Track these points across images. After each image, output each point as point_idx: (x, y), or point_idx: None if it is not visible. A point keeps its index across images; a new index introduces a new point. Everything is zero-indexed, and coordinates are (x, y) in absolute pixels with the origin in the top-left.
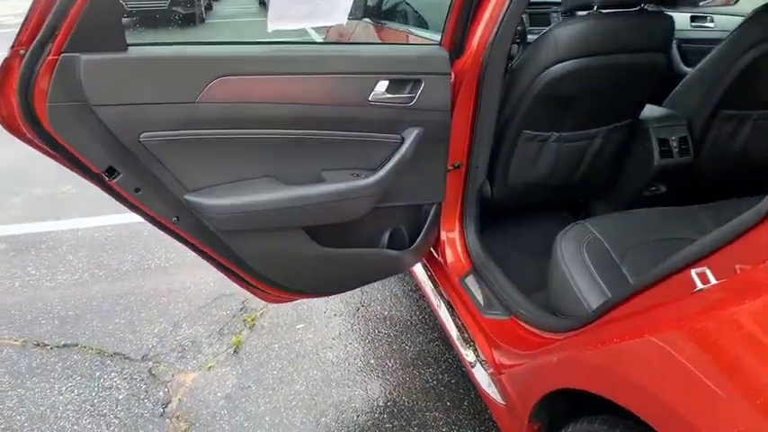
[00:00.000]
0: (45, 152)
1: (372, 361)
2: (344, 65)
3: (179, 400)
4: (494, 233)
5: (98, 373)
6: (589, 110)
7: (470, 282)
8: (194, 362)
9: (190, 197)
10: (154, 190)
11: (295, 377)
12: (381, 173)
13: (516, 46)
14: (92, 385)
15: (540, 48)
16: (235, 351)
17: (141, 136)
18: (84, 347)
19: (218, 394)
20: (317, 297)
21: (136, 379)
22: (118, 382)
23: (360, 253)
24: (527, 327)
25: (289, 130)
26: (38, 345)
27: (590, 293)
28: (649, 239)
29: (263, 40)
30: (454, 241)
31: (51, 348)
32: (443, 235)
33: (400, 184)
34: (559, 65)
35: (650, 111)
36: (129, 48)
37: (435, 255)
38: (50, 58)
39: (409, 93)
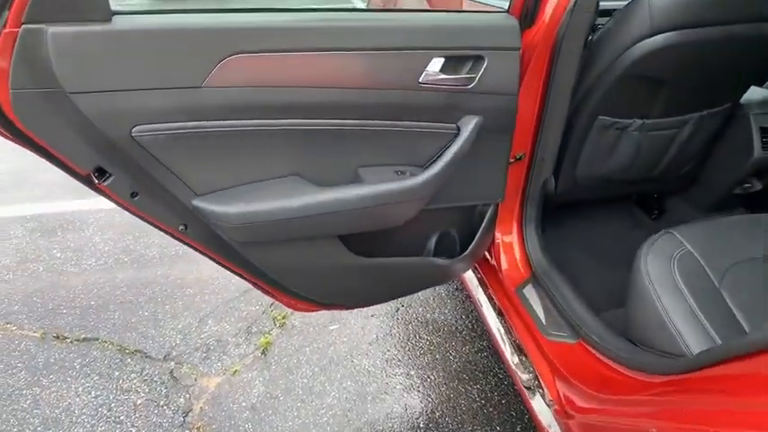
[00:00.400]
0: (26, 147)
1: (412, 372)
2: (390, 38)
3: (201, 408)
4: (555, 234)
5: (117, 374)
6: (683, 93)
7: (529, 292)
8: (219, 364)
9: (198, 203)
10: (154, 194)
11: (327, 387)
12: (432, 171)
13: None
14: (110, 387)
15: (630, 17)
16: (263, 353)
17: (134, 130)
18: (105, 342)
19: (243, 404)
20: (351, 309)
21: (156, 382)
22: (137, 384)
23: (402, 263)
24: (603, 358)
25: (318, 120)
26: (57, 337)
27: (685, 325)
28: (754, 255)
29: (286, 6)
30: (511, 245)
31: (71, 342)
32: (498, 237)
33: (453, 182)
34: (653, 38)
35: (751, 93)
36: (115, 17)
37: (488, 257)
38: (6, 30)
39: (469, 72)
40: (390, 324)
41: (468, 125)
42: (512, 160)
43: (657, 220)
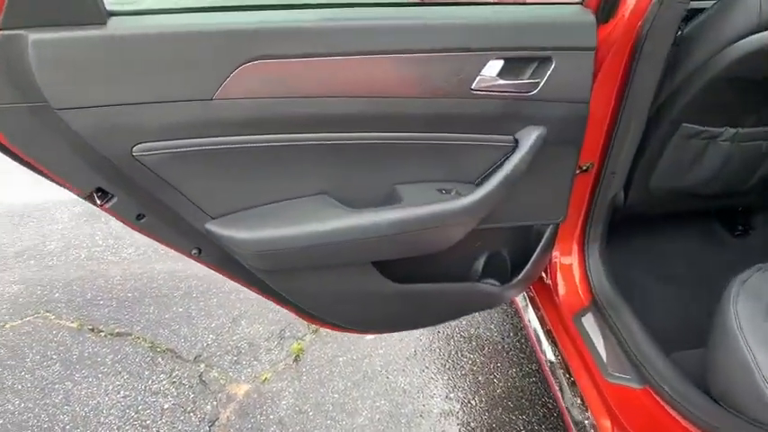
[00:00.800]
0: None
1: (452, 395)
2: (437, 38)
3: (227, 418)
4: (620, 251)
5: (147, 373)
6: None
7: (588, 322)
8: (249, 370)
9: (212, 227)
10: (162, 216)
11: (359, 406)
12: (486, 189)
13: None
14: (139, 387)
15: (732, 9)
16: (295, 360)
17: (135, 149)
18: (138, 339)
19: (271, 416)
20: (386, 333)
21: (185, 385)
22: (166, 386)
23: (445, 289)
24: (674, 413)
25: (351, 134)
26: (92, 330)
27: None
28: None
29: (313, 1)
30: (570, 267)
31: (105, 336)
32: (556, 256)
33: (508, 200)
34: (761, 34)
35: None
36: (111, 19)
37: (543, 275)
38: None
39: (532, 77)
40: (431, 338)
41: (529, 137)
42: (576, 171)
43: (742, 237)
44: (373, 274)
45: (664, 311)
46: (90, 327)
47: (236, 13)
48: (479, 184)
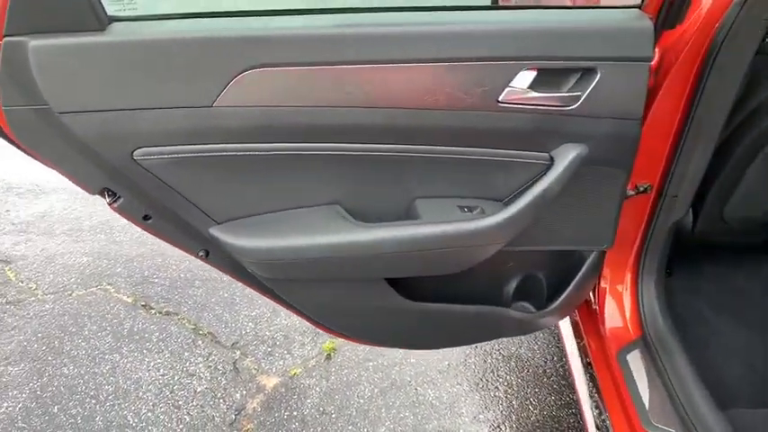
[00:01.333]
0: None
1: (481, 416)
2: (455, 45)
3: (253, 408)
4: (685, 285)
5: (186, 354)
6: None
7: (634, 360)
8: (281, 362)
9: (216, 232)
10: (168, 218)
11: (383, 415)
12: (513, 209)
13: None
14: (177, 367)
15: None
16: (326, 359)
17: (135, 153)
18: (183, 319)
19: (295, 413)
20: (400, 349)
21: (219, 371)
22: (202, 369)
23: (469, 311)
24: None
25: (363, 145)
26: (144, 306)
27: None
28: None
29: (323, 6)
30: (621, 296)
31: (155, 314)
32: (604, 283)
33: (544, 222)
34: None
35: None
36: (111, 26)
37: (591, 299)
38: None
39: (571, 90)
40: (467, 352)
41: (566, 156)
42: (631, 192)
43: None
44: (386, 290)
45: (727, 358)
46: (143, 303)
47: (238, 18)
48: (508, 203)
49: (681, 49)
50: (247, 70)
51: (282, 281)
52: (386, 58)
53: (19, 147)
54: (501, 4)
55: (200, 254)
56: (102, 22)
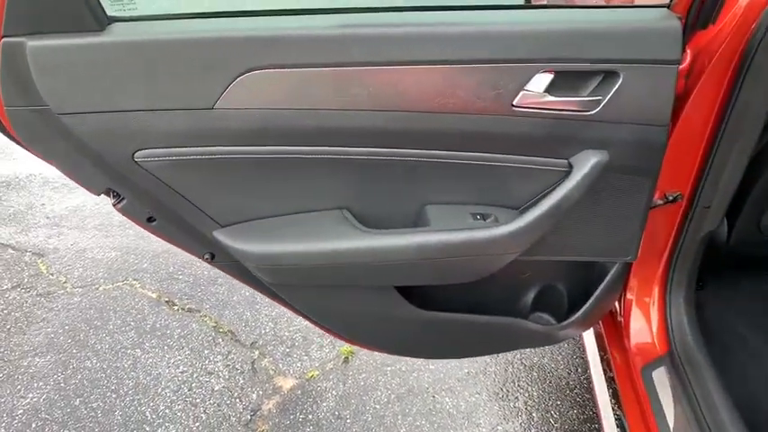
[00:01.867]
0: None
1: (500, 427)
2: (465, 46)
3: (269, 410)
4: (720, 299)
5: (206, 352)
6: None
7: (660, 378)
8: (299, 364)
9: (221, 236)
10: (172, 220)
11: (398, 422)
12: (528, 218)
13: None
14: (196, 365)
15: None
16: (344, 361)
17: (136, 155)
18: (205, 317)
19: (310, 416)
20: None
21: (237, 370)
22: (220, 368)
23: (481, 321)
24: None
25: (372, 149)
26: (168, 302)
27: None
28: None
29: (326, 6)
30: (648, 309)
31: (178, 310)
32: (631, 295)
33: (562, 231)
34: None
35: None
36: (112, 25)
37: (617, 309)
38: None
39: (591, 94)
40: (487, 360)
41: (586, 163)
42: (660, 201)
43: None
44: (394, 297)
45: (760, 380)
46: (167, 299)
47: (239, 18)
48: (523, 212)
49: (714, 50)
50: (249, 71)
51: (288, 286)
52: (392, 59)
53: (22, 146)
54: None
55: (206, 256)
56: (102, 22)
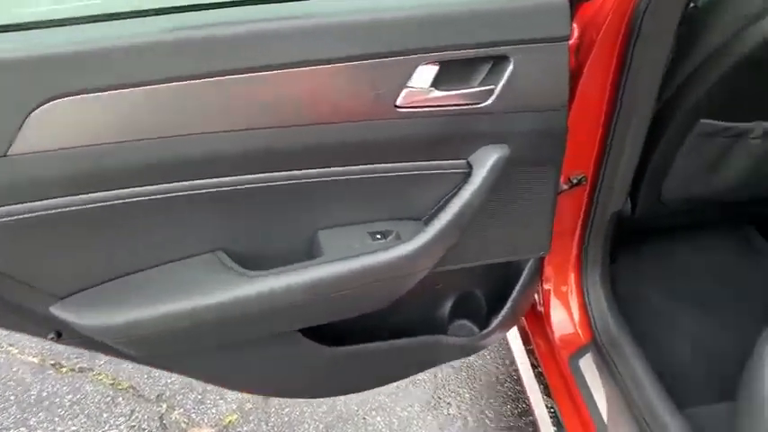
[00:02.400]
0: None
1: None
2: (331, 42)
3: None
4: (632, 273)
5: (105, 416)
6: None
7: (587, 366)
8: (214, 410)
9: (59, 311)
10: None
11: None
12: (432, 231)
13: None
14: None
15: None
16: (264, 399)
17: None
18: (99, 375)
19: None
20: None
21: (144, 429)
22: (123, 430)
23: (398, 345)
24: None
25: (237, 177)
26: (54, 365)
27: None
28: None
29: (149, 7)
30: (567, 298)
31: (66, 372)
32: (548, 285)
33: (472, 236)
34: None
35: None
36: None
37: (536, 301)
38: None
39: (482, 84)
40: None
41: (486, 160)
42: (565, 186)
43: None
44: (300, 340)
45: (683, 347)
46: (52, 361)
47: (30, 32)
48: (428, 221)
49: (601, 22)
50: (49, 101)
51: (164, 356)
52: (244, 65)
53: None
54: None
55: (50, 337)
56: None
